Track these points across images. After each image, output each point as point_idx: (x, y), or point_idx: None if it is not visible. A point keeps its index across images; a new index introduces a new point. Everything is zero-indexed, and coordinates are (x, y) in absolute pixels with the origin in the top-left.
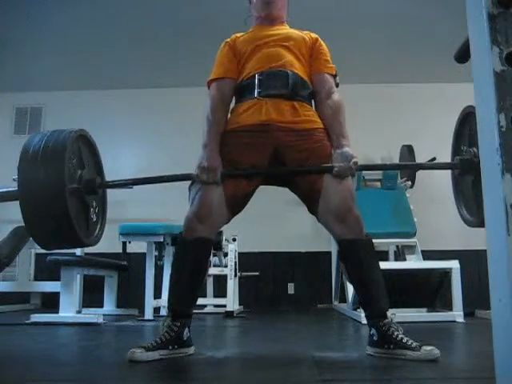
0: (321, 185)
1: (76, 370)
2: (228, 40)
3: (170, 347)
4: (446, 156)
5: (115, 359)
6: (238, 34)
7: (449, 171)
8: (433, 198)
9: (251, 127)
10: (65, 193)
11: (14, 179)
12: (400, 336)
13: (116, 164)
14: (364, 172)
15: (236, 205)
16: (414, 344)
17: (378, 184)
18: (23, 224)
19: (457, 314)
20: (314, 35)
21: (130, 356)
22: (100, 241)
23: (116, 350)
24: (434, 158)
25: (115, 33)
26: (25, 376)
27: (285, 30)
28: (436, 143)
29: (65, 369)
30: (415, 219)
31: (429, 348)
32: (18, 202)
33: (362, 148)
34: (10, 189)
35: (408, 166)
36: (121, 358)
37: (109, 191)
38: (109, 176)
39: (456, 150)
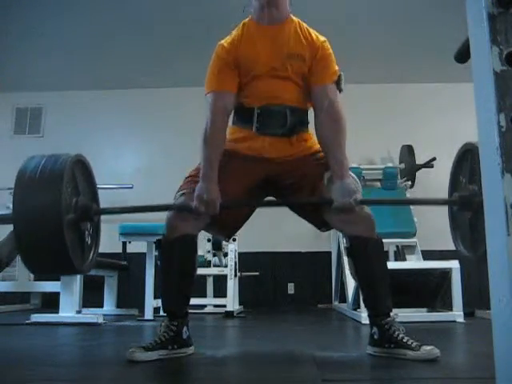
0: (324, 210)
1: (76, 369)
2: (226, 46)
3: (170, 347)
4: (445, 156)
5: (115, 359)
6: (235, 39)
7: (448, 168)
8: None
9: (245, 156)
10: (62, 225)
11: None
12: (401, 335)
13: (116, 164)
14: (364, 172)
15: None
16: (415, 344)
17: (378, 184)
18: None
19: (457, 314)
20: (319, 41)
21: (129, 356)
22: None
23: (116, 350)
24: (434, 158)
25: (115, 33)
26: (25, 376)
27: (286, 37)
28: (436, 143)
29: (65, 369)
30: (415, 219)
31: (429, 348)
32: None
33: (362, 148)
34: (5, 212)
35: (407, 201)
36: (121, 357)
37: (109, 191)
38: (109, 176)
39: (454, 186)
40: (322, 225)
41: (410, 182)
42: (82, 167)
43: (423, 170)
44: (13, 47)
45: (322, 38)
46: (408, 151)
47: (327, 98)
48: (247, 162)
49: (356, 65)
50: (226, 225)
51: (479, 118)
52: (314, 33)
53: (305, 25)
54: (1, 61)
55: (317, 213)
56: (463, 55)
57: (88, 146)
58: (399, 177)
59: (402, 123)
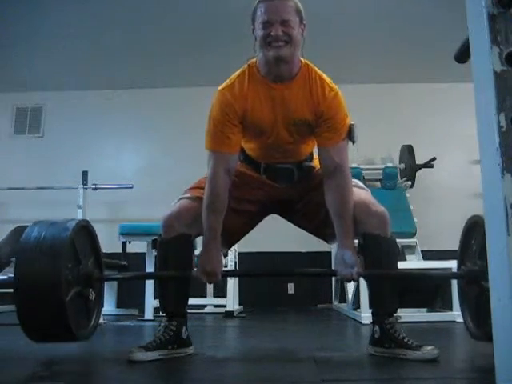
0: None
1: (76, 369)
2: (229, 98)
3: (170, 347)
4: (445, 156)
5: (115, 359)
6: (242, 92)
7: (449, 167)
8: (433, 198)
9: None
10: (64, 303)
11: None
12: (401, 335)
13: (116, 164)
14: (364, 172)
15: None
16: (415, 344)
17: (378, 184)
18: (23, 224)
19: (457, 314)
20: (328, 97)
21: (129, 356)
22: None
23: (116, 350)
24: (434, 158)
25: (115, 33)
26: (25, 376)
27: (294, 100)
28: (436, 143)
29: (65, 368)
30: (415, 219)
31: (429, 348)
32: (18, 205)
33: (362, 148)
34: (6, 276)
35: (411, 275)
36: (121, 357)
37: (109, 191)
38: (109, 176)
39: (463, 260)
40: (330, 237)
41: (409, 182)
42: (85, 233)
43: (423, 169)
44: (13, 47)
45: (332, 93)
46: (408, 151)
47: (333, 163)
48: (261, 182)
49: (356, 65)
50: (227, 238)
51: (479, 118)
52: (324, 85)
53: (317, 73)
54: (1, 61)
55: (325, 229)
56: (463, 55)
57: (88, 146)
58: (399, 177)
59: (402, 123)
